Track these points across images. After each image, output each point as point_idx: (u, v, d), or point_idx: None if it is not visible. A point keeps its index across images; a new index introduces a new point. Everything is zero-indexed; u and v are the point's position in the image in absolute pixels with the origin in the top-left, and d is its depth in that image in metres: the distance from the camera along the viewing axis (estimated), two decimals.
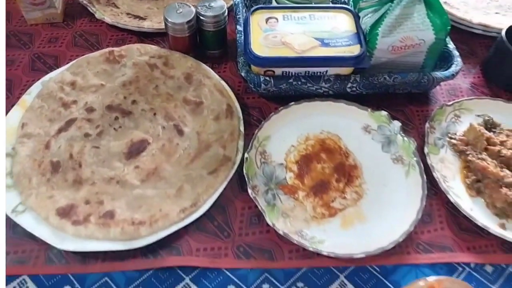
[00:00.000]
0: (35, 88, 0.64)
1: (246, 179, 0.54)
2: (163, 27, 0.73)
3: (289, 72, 0.61)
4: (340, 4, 0.74)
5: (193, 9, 0.66)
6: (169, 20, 0.65)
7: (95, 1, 0.78)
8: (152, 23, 0.75)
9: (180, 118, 0.62)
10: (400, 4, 0.60)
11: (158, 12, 0.79)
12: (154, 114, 0.63)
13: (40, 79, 0.67)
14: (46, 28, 0.76)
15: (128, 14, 0.77)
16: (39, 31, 0.75)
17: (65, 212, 0.51)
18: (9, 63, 0.70)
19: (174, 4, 0.67)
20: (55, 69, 0.69)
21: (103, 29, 0.77)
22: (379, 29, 0.60)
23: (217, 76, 0.67)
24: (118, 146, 0.59)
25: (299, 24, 0.63)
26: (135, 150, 0.59)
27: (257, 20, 0.63)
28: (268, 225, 0.51)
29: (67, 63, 0.70)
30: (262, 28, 0.62)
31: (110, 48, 0.69)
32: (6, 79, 0.67)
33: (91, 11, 0.77)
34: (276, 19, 0.63)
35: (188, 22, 0.66)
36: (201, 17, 0.66)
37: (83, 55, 0.71)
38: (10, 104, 0.64)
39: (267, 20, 0.63)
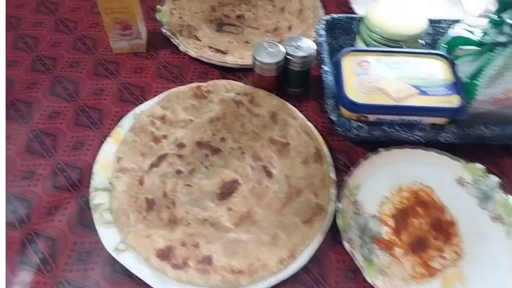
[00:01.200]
0: (127, 121, 0.66)
1: (341, 231, 0.54)
2: (246, 63, 0.75)
3: (383, 119, 0.60)
4: (432, 49, 0.73)
5: (283, 49, 0.67)
6: (258, 59, 0.66)
7: (178, 33, 0.80)
8: (235, 58, 0.76)
9: (267, 159, 0.63)
10: (502, 53, 0.58)
11: (238, 46, 0.80)
12: (242, 153, 0.63)
13: (129, 110, 0.69)
14: (131, 58, 0.78)
15: (210, 47, 0.79)
16: (124, 61, 0.78)
17: (164, 254, 0.52)
18: (99, 92, 0.72)
19: (263, 43, 0.68)
20: (142, 100, 0.71)
21: (186, 62, 0.78)
22: (480, 79, 0.59)
23: (302, 117, 0.67)
24: (210, 186, 0.59)
25: (392, 68, 0.62)
26: (227, 190, 0.59)
27: (349, 62, 0.63)
28: (365, 281, 0.50)
29: (153, 95, 0.72)
30: (355, 72, 0.62)
31: (198, 83, 0.70)
32: (97, 108, 0.70)
33: (174, 43, 0.79)
34: (369, 62, 0.63)
35: (277, 63, 0.66)
36: (290, 57, 0.67)
37: (168, 87, 0.73)
38: (101, 134, 0.66)
39: (359, 63, 0.63)
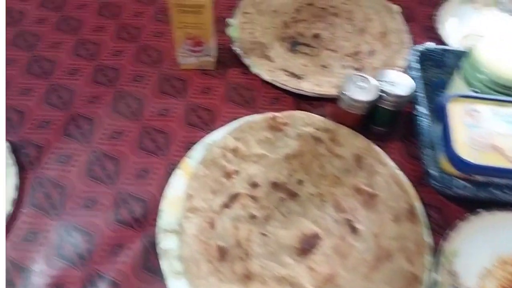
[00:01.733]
0: (197, 151, 0.60)
1: None
2: (324, 92, 0.68)
3: (493, 180, 0.53)
4: None
5: (376, 85, 0.60)
6: (347, 94, 0.59)
7: (250, 51, 0.74)
8: (312, 85, 0.69)
9: (351, 211, 0.56)
10: None
11: (314, 70, 0.73)
12: (323, 200, 0.57)
13: (197, 137, 0.63)
14: (198, 75, 0.72)
15: (283, 70, 0.72)
16: (192, 78, 0.72)
17: None
18: (164, 112, 0.67)
19: (353, 76, 0.61)
20: (210, 126, 0.65)
21: (257, 84, 0.72)
22: None
23: (391, 163, 0.60)
24: (288, 238, 0.53)
25: (509, 122, 0.54)
26: (307, 245, 0.53)
27: (457, 110, 0.55)
28: None
29: (222, 120, 0.66)
30: (464, 122, 0.54)
31: (273, 113, 0.64)
32: (163, 132, 0.64)
33: (245, 63, 0.72)
34: (479, 111, 0.55)
35: (370, 101, 0.59)
36: (383, 95, 0.60)
37: (238, 112, 0.67)
38: (167, 162, 0.61)
39: (469, 112, 0.55)
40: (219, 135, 0.62)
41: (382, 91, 0.60)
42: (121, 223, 0.55)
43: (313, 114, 0.64)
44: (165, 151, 0.62)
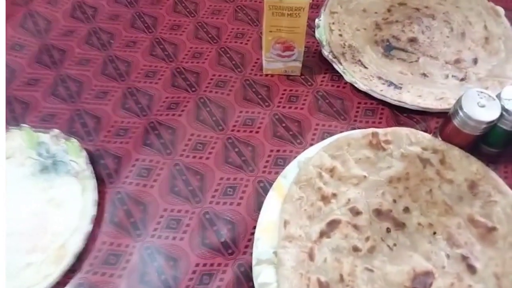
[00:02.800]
0: (290, 169, 0.55)
1: None
2: (429, 105, 0.62)
3: None
4: None
5: (498, 104, 0.52)
6: (467, 113, 0.52)
7: (341, 56, 0.67)
8: (414, 98, 0.62)
9: (467, 246, 0.49)
10: None
11: (413, 79, 0.66)
12: (434, 232, 0.50)
13: (286, 151, 0.59)
14: (283, 82, 0.67)
15: (379, 78, 0.66)
16: (276, 85, 0.67)
17: None
18: (249, 122, 0.62)
19: (474, 91, 0.53)
20: (300, 140, 0.60)
21: (348, 92, 0.66)
22: None
23: (511, 191, 0.53)
24: (397, 275, 0.47)
25: None
26: (419, 284, 0.47)
27: None
28: None
29: (313, 134, 0.61)
30: None
31: (373, 129, 0.57)
32: (249, 144, 0.60)
33: (338, 69, 0.66)
34: None
35: (490, 122, 0.52)
36: (504, 113, 0.52)
37: (329, 125, 0.62)
38: (256, 178, 0.56)
39: None
40: (312, 152, 0.56)
41: (505, 110, 0.52)
42: (209, 248, 0.51)
43: (418, 131, 0.58)
44: (252, 167, 0.58)
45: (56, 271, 0.48)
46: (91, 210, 0.52)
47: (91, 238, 0.51)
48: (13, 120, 0.61)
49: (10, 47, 0.70)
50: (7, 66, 0.67)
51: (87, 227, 0.51)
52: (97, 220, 0.53)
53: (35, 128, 0.58)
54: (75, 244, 0.50)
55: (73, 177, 0.55)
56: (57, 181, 0.55)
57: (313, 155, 0.56)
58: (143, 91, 0.66)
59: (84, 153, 0.56)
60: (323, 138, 0.60)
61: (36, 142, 0.57)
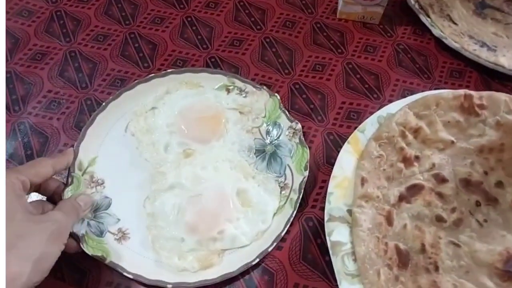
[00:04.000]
0: (369, 124, 0.47)
1: None
2: None
3: None
4: None
5: None
6: None
7: (430, 8, 0.58)
8: (510, 62, 0.54)
9: None
10: None
11: (509, 43, 0.57)
12: None
13: (360, 105, 0.51)
14: (359, 29, 0.59)
15: (470, 37, 0.56)
16: (351, 32, 0.58)
17: None
18: (319, 67, 0.54)
19: None
20: (377, 94, 0.52)
21: (432, 49, 0.57)
22: None
23: None
24: (487, 254, 0.40)
25: None
26: None
27: None
28: None
29: (392, 90, 0.53)
30: None
31: (466, 91, 0.49)
32: (320, 92, 0.52)
33: (425, 22, 0.57)
34: None
35: None
36: None
37: (410, 82, 0.54)
38: (325, 129, 0.49)
39: None
40: (394, 108, 0.48)
41: None
42: None
43: None
44: (322, 116, 0.50)
45: None
46: None
47: None
48: None
49: None
50: None
51: None
52: None
53: None
54: None
55: None
56: None
57: (396, 111, 0.48)
58: (203, 22, 0.58)
59: None
60: (403, 96, 0.52)
61: None
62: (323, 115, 0.50)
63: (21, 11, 0.57)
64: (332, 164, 0.45)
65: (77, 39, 0.55)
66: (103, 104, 0.47)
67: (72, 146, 0.45)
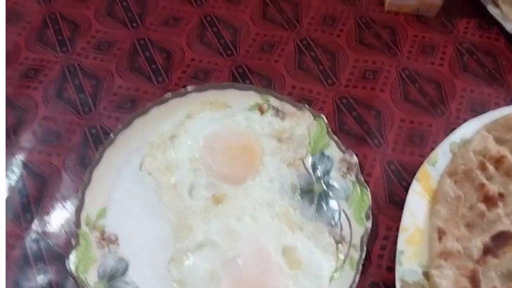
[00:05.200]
0: (441, 153, 0.37)
1: None
2: None
3: None
4: None
5: None
6: None
7: None
8: None
9: None
10: None
11: None
12: None
13: (425, 124, 0.40)
14: (412, 24, 0.47)
15: None
16: (403, 27, 0.46)
17: None
18: (369, 75, 0.43)
19: None
20: (441, 108, 0.41)
21: (502, 47, 0.45)
22: None
23: None
24: None
25: None
26: None
27: None
28: None
29: (459, 103, 0.42)
30: None
31: None
32: (370, 107, 0.41)
33: (493, 14, 0.45)
34: None
35: None
36: None
37: (480, 91, 0.43)
38: (383, 155, 0.38)
39: None
40: (468, 130, 0.38)
41: None
42: None
43: None
44: (379, 140, 0.40)
45: None
46: None
47: None
48: None
49: None
50: None
51: None
52: None
53: None
54: None
55: None
56: None
57: (472, 136, 0.37)
58: (225, 21, 0.46)
59: None
60: (472, 110, 0.41)
61: None
62: (380, 137, 0.40)
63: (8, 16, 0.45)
64: (397, 204, 0.36)
65: (76, 49, 0.43)
66: (111, 136, 0.37)
67: (76, 191, 0.35)
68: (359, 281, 0.32)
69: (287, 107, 0.39)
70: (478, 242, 0.34)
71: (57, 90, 0.41)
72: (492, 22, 0.46)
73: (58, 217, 0.35)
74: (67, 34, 0.44)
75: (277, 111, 0.40)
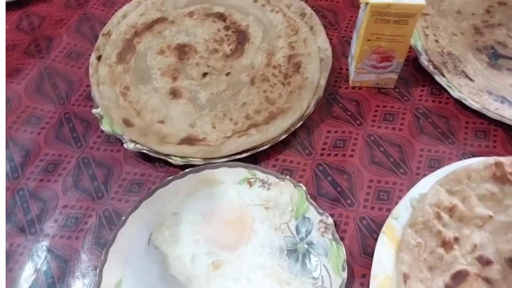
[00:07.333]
0: (403, 208, 0.48)
1: None
2: None
3: None
4: None
5: None
6: None
7: (443, 67, 0.59)
8: None
9: None
10: None
11: None
12: None
13: (389, 183, 0.51)
14: (374, 96, 0.60)
15: (489, 93, 0.57)
16: (367, 100, 0.59)
17: None
18: (340, 144, 0.55)
19: None
20: (403, 168, 0.53)
21: (452, 109, 0.58)
22: None
23: None
24: None
25: None
26: None
27: None
28: None
29: (418, 162, 0.53)
30: None
31: (496, 158, 0.50)
32: (345, 171, 0.52)
33: (440, 82, 0.58)
34: None
35: None
36: None
37: (436, 150, 0.54)
38: (357, 215, 0.49)
39: None
40: (424, 186, 0.49)
41: None
42: None
43: None
44: (352, 200, 0.51)
45: None
46: None
47: None
48: None
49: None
50: None
51: None
52: None
53: None
54: None
55: None
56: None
57: (428, 191, 0.48)
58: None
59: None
60: (430, 167, 0.53)
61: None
62: (352, 197, 0.51)
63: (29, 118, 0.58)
64: (369, 254, 0.46)
65: (88, 143, 0.56)
66: (123, 218, 0.48)
67: (95, 269, 0.45)
68: None
69: (271, 178, 0.51)
70: (439, 282, 0.44)
71: (75, 181, 0.53)
72: (442, 88, 0.59)
73: None
74: (80, 131, 0.57)
75: (263, 183, 0.51)
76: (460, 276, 0.44)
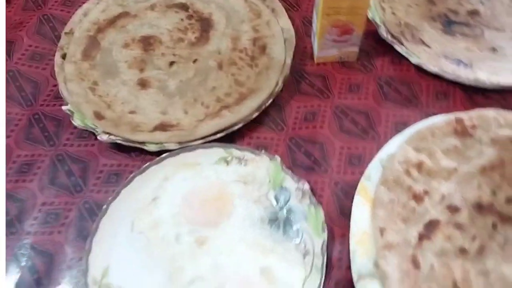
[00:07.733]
0: (373, 169, 0.51)
1: None
2: (507, 82, 0.58)
3: None
4: None
5: None
6: None
7: (401, 36, 0.63)
8: (489, 75, 0.59)
9: None
10: None
11: (482, 56, 0.62)
12: None
13: (364, 149, 0.55)
14: (339, 70, 0.63)
15: (445, 57, 0.62)
16: (332, 74, 0.62)
17: None
18: (310, 117, 0.58)
19: None
20: (374, 134, 0.56)
21: (413, 75, 0.62)
22: None
23: None
24: None
25: None
26: None
27: None
28: None
29: (385, 127, 0.57)
30: None
31: (456, 115, 0.54)
32: (317, 142, 0.55)
33: (400, 51, 0.62)
34: None
35: None
36: None
37: (401, 114, 0.58)
38: (332, 180, 0.52)
39: None
40: (392, 147, 0.52)
41: None
42: None
43: (506, 111, 0.54)
44: (325, 167, 0.54)
45: None
46: None
47: None
48: None
49: None
50: None
51: None
52: None
53: None
54: None
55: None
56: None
57: (396, 150, 0.52)
58: None
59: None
60: (397, 130, 0.56)
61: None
62: (325, 165, 0.54)
63: None
64: (347, 215, 0.49)
65: (61, 141, 0.57)
66: (104, 207, 0.49)
67: (81, 259, 0.47)
68: (324, 282, 0.44)
69: (248, 155, 0.53)
70: (413, 232, 0.47)
71: (50, 178, 0.54)
72: (402, 57, 0.62)
73: (68, 284, 0.47)
74: (52, 130, 0.58)
75: (239, 160, 0.53)
76: (432, 224, 0.48)
